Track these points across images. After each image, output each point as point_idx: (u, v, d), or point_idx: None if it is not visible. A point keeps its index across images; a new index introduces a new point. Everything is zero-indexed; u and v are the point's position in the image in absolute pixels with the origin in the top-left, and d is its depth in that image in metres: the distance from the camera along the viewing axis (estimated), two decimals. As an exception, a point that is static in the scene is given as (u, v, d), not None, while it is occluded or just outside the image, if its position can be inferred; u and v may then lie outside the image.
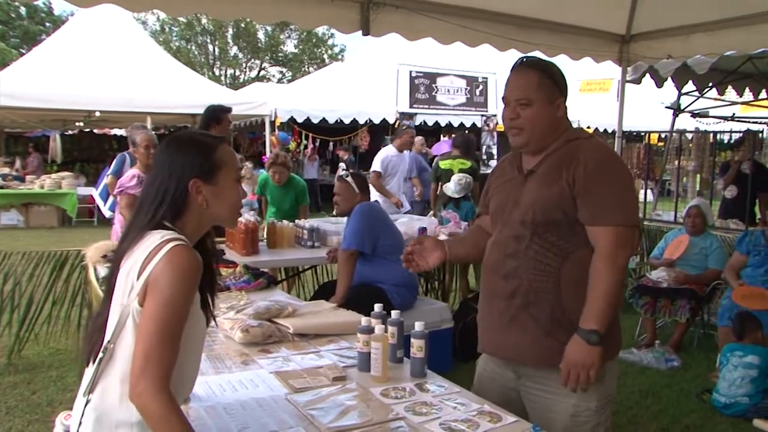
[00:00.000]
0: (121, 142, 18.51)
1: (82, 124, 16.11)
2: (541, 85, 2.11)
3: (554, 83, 2.14)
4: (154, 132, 6.06)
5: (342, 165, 14.19)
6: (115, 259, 1.67)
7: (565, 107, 2.17)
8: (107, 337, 1.59)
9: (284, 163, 6.02)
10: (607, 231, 2.03)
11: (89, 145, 19.48)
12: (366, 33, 4.84)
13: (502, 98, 2.19)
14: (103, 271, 3.80)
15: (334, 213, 4.89)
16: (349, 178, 4.48)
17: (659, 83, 6.92)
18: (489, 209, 2.36)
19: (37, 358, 5.00)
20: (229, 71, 37.35)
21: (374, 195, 7.01)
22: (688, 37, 5.64)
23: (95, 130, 19.05)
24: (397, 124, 14.41)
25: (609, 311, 2.03)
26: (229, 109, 5.28)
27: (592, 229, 2.06)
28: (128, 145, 6.36)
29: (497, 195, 2.31)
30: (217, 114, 5.13)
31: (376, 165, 7.64)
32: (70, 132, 18.15)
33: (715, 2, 5.20)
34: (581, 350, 2.01)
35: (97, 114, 12.77)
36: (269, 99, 13.28)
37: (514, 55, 5.70)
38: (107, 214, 7.57)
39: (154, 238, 1.58)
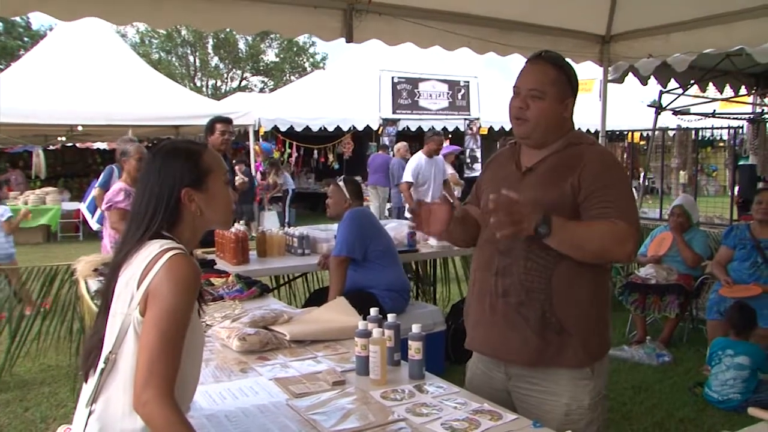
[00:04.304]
0: (105, 156, 18.42)
1: (64, 138, 16.00)
2: (556, 82, 2.11)
3: (568, 82, 2.15)
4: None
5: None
6: (112, 270, 1.68)
7: (572, 108, 2.17)
8: (108, 347, 1.59)
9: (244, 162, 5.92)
10: (619, 223, 2.01)
11: (72, 160, 19.34)
12: (349, 40, 4.86)
13: (514, 87, 2.16)
14: (94, 284, 3.79)
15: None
16: (341, 183, 4.50)
17: (644, 82, 6.95)
18: (480, 202, 2.34)
19: (28, 375, 4.97)
20: (211, 82, 37.26)
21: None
22: (668, 36, 5.70)
23: (78, 145, 18.93)
24: (380, 130, 14.45)
25: (570, 237, 1.98)
26: (223, 119, 5.27)
27: None
28: (114, 158, 6.32)
29: (491, 186, 2.27)
30: (210, 124, 5.17)
31: (407, 175, 8.04)
32: (52, 147, 18.02)
33: (692, 1, 5.27)
34: (529, 215, 1.90)
35: (80, 128, 12.69)
36: (252, 108, 13.27)
37: (493, 59, 5.75)
38: (95, 227, 7.50)
39: (153, 247, 1.59)
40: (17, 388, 4.69)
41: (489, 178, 2.36)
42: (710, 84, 7.95)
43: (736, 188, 9.64)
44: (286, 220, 12.86)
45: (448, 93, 15.27)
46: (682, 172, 9.42)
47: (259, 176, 13.10)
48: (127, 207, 4.66)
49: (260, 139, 13.60)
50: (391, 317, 2.40)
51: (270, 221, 12.06)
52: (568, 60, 2.24)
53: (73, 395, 4.41)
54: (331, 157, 15.89)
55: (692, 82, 7.67)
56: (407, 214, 6.90)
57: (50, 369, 5.09)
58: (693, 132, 9.03)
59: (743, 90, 8.40)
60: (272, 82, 36.25)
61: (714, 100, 8.47)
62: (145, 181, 1.70)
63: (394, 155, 10.99)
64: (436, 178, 8.06)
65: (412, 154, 11.57)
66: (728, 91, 8.22)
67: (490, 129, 15.83)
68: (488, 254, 2.18)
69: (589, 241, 2.01)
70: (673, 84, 7.58)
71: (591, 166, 2.07)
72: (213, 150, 1.80)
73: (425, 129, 15.57)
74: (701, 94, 8.30)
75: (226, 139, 5.18)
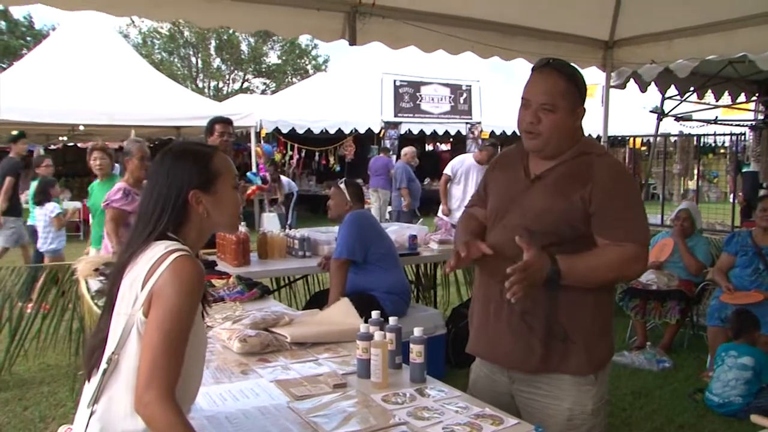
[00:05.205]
0: (106, 156, 18.37)
1: (66, 138, 15.99)
2: (567, 93, 2.06)
3: (578, 91, 2.09)
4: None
5: None
6: (116, 270, 1.68)
7: (583, 115, 2.14)
8: (111, 347, 1.59)
9: (104, 149, 5.72)
10: (627, 246, 2.03)
11: (73, 159, 19.29)
12: (353, 43, 4.85)
13: (522, 98, 2.12)
14: (94, 284, 3.78)
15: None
16: (342, 185, 4.49)
17: (643, 88, 7.00)
18: (486, 203, 2.32)
19: (27, 374, 4.97)
20: (213, 83, 37.24)
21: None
22: (671, 42, 5.71)
23: (79, 144, 18.91)
24: (382, 133, 14.47)
25: (581, 277, 2.01)
26: (223, 120, 5.22)
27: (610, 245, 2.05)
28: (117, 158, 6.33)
29: (497, 190, 2.28)
30: (209, 125, 5.13)
31: (447, 169, 8.10)
32: (53, 146, 18.01)
33: (696, 8, 5.28)
34: (541, 270, 1.95)
35: (81, 128, 12.68)
36: (254, 110, 13.27)
37: (498, 63, 5.76)
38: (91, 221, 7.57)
39: (158, 248, 1.59)
40: (16, 387, 4.69)
41: (495, 181, 2.33)
42: (709, 91, 7.96)
43: (740, 193, 9.66)
44: (289, 222, 12.86)
45: (450, 97, 15.30)
46: (684, 179, 9.41)
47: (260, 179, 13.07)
48: (122, 207, 4.65)
49: (261, 141, 13.60)
50: (393, 320, 2.39)
51: (271, 223, 12.04)
52: (573, 64, 2.21)
53: (72, 395, 4.41)
54: (332, 159, 15.89)
55: (692, 89, 7.67)
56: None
57: (49, 368, 5.08)
58: (695, 138, 9.03)
59: (742, 97, 8.41)
60: (274, 84, 36.22)
61: (717, 106, 8.47)
62: (153, 182, 1.70)
63: (399, 159, 10.97)
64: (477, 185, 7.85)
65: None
66: (726, 98, 8.23)
67: (492, 133, 15.85)
68: (494, 261, 2.14)
69: (598, 273, 2.04)
70: (672, 91, 7.59)
71: (601, 182, 2.04)
72: (224, 154, 1.79)
73: (427, 132, 15.65)
74: (704, 101, 8.30)
75: (225, 140, 5.07)
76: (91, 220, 5.89)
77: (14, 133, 8.76)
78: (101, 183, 5.61)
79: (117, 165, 6.34)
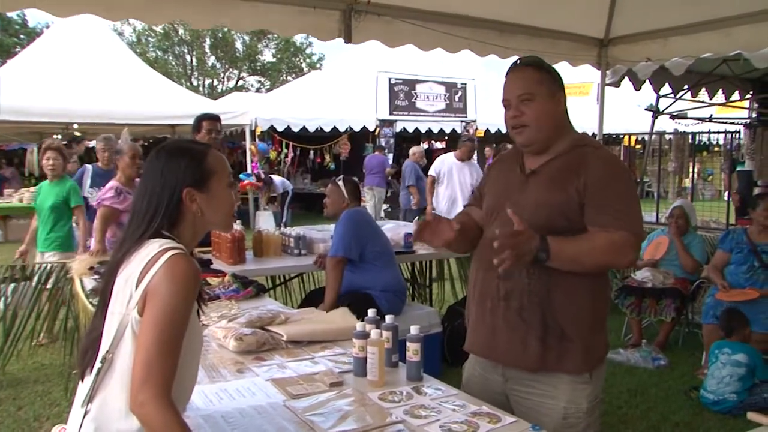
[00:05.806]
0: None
1: (59, 136, 15.91)
2: (540, 80, 2.11)
3: (552, 78, 2.14)
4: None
5: None
6: (110, 269, 1.66)
7: (565, 102, 2.18)
8: (105, 346, 1.57)
9: (59, 149, 5.55)
10: (618, 233, 2.02)
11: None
12: (348, 41, 4.83)
13: (503, 101, 2.16)
14: (89, 283, 3.77)
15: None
16: (340, 182, 4.48)
17: (637, 86, 7.01)
18: (483, 202, 2.33)
19: (21, 373, 4.94)
20: (207, 81, 37.16)
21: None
22: (666, 40, 5.70)
23: (74, 143, 18.81)
24: (377, 131, 14.45)
25: (571, 258, 1.99)
26: (210, 116, 5.13)
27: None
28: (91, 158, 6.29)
29: (494, 188, 2.29)
30: (197, 122, 5.04)
31: (431, 170, 8.17)
32: (47, 145, 17.91)
33: (691, 5, 5.27)
34: (530, 247, 1.93)
35: (75, 126, 12.63)
36: (249, 108, 13.24)
37: (493, 61, 5.74)
38: None
39: (153, 246, 1.58)
40: (10, 387, 4.67)
41: (493, 180, 2.35)
42: (703, 89, 7.97)
43: (734, 191, 9.69)
44: (283, 220, 12.82)
45: (445, 95, 15.29)
46: (680, 177, 9.44)
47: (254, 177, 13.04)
48: (114, 205, 4.64)
49: (256, 139, 13.57)
50: (389, 318, 2.38)
51: (266, 221, 11.99)
52: (566, 62, 2.25)
53: (67, 394, 4.39)
54: (327, 157, 15.88)
55: (686, 87, 7.68)
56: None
57: (43, 368, 5.06)
58: (690, 136, 9.05)
59: (736, 95, 8.43)
60: (269, 83, 36.16)
61: (711, 104, 8.49)
62: (147, 180, 1.69)
63: (407, 158, 11.00)
64: (463, 182, 7.80)
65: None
66: (720, 97, 8.24)
67: (487, 131, 15.86)
68: (491, 256, 2.14)
69: (588, 256, 2.01)
70: (666, 89, 7.59)
71: (594, 172, 2.05)
72: (218, 152, 1.78)
73: (422, 131, 15.64)
74: (699, 99, 8.31)
75: (213, 137, 4.89)
76: (36, 222, 5.63)
77: (77, 134, 9.14)
78: (50, 184, 5.49)
79: (89, 166, 6.28)
